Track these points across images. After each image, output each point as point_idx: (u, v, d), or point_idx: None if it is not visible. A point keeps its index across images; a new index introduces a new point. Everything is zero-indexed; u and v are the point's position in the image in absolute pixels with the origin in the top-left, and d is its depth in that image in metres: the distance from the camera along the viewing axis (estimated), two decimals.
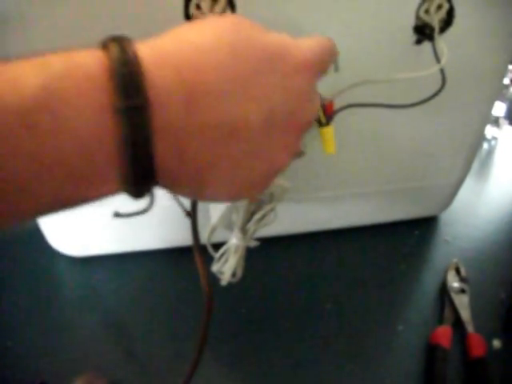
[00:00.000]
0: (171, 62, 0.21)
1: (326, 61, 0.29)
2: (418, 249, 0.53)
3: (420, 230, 0.55)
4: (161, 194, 0.25)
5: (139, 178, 0.20)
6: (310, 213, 0.50)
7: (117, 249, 0.50)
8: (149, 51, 0.21)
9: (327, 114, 0.39)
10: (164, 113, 0.20)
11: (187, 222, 0.40)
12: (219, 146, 0.22)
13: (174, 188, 0.24)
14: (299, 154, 0.34)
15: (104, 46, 0.21)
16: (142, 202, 0.24)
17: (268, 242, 0.43)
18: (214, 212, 0.41)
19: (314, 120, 0.39)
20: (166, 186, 0.23)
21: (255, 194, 0.27)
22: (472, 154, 0.51)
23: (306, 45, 0.27)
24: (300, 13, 0.38)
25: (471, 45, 0.42)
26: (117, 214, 0.27)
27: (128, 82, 0.19)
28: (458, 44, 0.41)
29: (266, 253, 0.46)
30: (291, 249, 0.52)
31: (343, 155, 0.44)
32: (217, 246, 0.41)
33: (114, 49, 0.20)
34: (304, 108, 0.26)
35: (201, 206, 0.40)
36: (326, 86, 0.39)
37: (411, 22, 0.40)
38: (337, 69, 0.38)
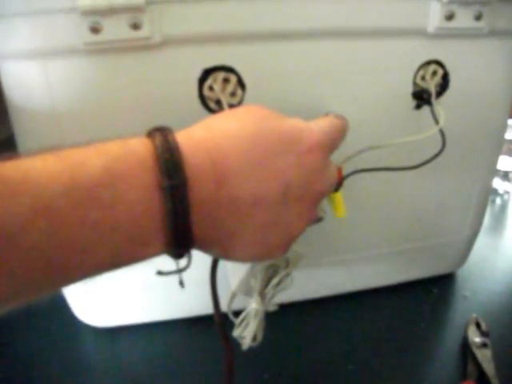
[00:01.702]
0: (204, 148, 0.26)
1: (336, 139, 0.33)
2: (437, 306, 0.53)
3: (438, 288, 0.55)
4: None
5: (180, 242, 0.25)
6: (325, 277, 0.51)
7: (141, 319, 0.51)
8: (185, 139, 0.26)
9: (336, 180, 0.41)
10: (198, 189, 0.25)
11: (207, 292, 0.42)
12: (244, 215, 0.27)
13: (206, 249, 0.28)
14: (318, 219, 0.36)
15: (150, 134, 0.26)
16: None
17: (287, 308, 0.44)
18: (233, 279, 0.42)
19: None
20: (200, 248, 0.27)
21: (275, 256, 0.31)
22: (481, 208, 0.52)
23: (318, 126, 0.31)
24: (306, 89, 0.41)
25: (469, 104, 0.44)
26: (159, 273, 0.30)
27: (170, 165, 0.24)
28: (457, 105, 0.44)
29: (285, 318, 0.46)
30: (310, 313, 0.52)
31: (354, 219, 0.46)
32: (237, 314, 0.42)
33: (158, 138, 0.25)
34: (317, 181, 0.30)
35: (220, 275, 0.41)
36: (334, 154, 0.41)
37: (410, 88, 0.42)
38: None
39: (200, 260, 0.41)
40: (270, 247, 0.30)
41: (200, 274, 0.43)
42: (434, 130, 0.40)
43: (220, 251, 0.29)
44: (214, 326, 0.42)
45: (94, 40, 0.36)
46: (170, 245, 0.25)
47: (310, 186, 0.29)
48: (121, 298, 0.48)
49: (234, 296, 0.42)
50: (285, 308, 0.43)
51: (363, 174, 0.42)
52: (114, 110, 0.39)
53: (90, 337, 0.51)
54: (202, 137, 0.27)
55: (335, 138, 0.33)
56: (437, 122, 0.40)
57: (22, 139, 0.42)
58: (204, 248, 0.28)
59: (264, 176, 0.27)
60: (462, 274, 0.57)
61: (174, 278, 0.41)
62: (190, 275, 0.44)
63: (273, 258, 0.32)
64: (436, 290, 0.55)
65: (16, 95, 0.40)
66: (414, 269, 0.54)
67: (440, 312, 0.53)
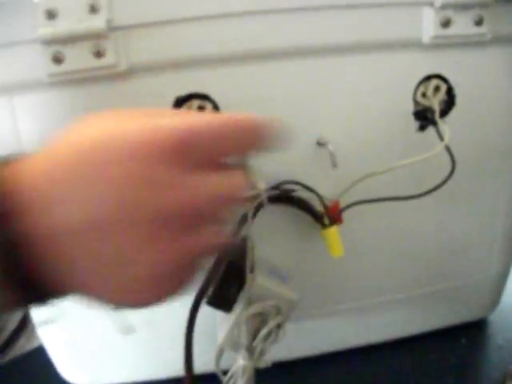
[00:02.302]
0: (31, 175, 0.22)
1: (201, 141, 0.24)
2: (466, 359, 0.46)
3: (467, 337, 0.48)
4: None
5: (14, 281, 0.21)
6: (329, 330, 0.44)
7: (128, 378, 0.46)
8: (14, 165, 0.23)
9: (330, 214, 0.36)
10: (25, 219, 0.21)
11: (198, 348, 0.37)
12: (84, 246, 0.22)
13: (74, 292, 0.23)
14: (223, 246, 0.26)
15: None
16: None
17: (285, 366, 0.38)
18: (220, 332, 0.37)
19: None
20: (66, 291, 0.23)
21: (147, 301, 0.24)
22: (509, 241, 0.45)
23: (169, 126, 0.23)
24: (291, 113, 0.36)
25: (479, 121, 0.39)
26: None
27: None
28: (465, 122, 0.39)
29: (284, 379, 0.40)
30: (314, 372, 0.45)
31: (359, 260, 0.40)
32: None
33: None
34: (162, 197, 0.23)
35: (207, 330, 0.36)
36: (327, 187, 0.37)
37: (410, 108, 0.38)
38: (334, 165, 0.36)
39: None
40: (130, 287, 0.23)
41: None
42: (439, 147, 0.35)
43: (88, 294, 0.23)
44: None
45: (57, 71, 0.34)
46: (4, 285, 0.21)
47: (153, 204, 0.22)
48: (106, 356, 0.44)
49: (221, 351, 0.37)
50: (284, 366, 0.38)
51: (366, 208, 0.37)
52: None
53: None
54: (30, 164, 0.23)
55: (196, 141, 0.23)
56: (442, 139, 0.35)
57: None
58: (70, 291, 0.23)
59: (95, 194, 0.22)
60: (495, 319, 0.50)
61: (162, 335, 0.37)
62: (178, 330, 0.40)
63: (143, 303, 0.24)
64: (465, 339, 0.47)
65: None
66: (436, 316, 0.47)
67: (471, 365, 0.45)
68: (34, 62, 0.34)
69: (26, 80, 0.35)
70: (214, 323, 0.38)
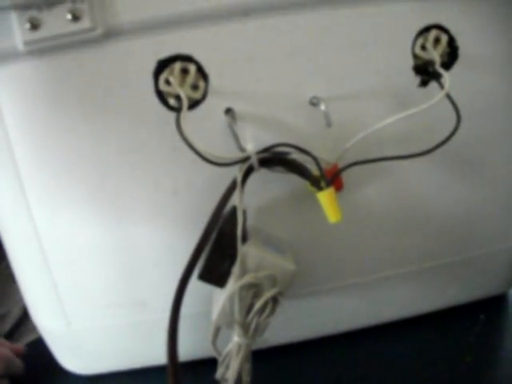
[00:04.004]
0: None
1: None
2: (485, 336, 0.42)
3: (486, 313, 0.44)
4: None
5: None
6: (336, 308, 0.41)
7: (126, 365, 0.44)
8: None
9: (328, 177, 0.34)
10: None
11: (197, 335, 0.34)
12: None
13: None
14: None
15: None
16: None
17: (287, 350, 0.36)
18: (214, 309, 0.35)
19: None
20: None
21: None
22: None
23: None
24: (283, 72, 0.35)
25: (486, 75, 0.36)
26: None
27: None
28: (473, 77, 0.36)
29: (285, 361, 0.38)
30: (323, 354, 0.42)
31: (362, 228, 0.37)
32: None
33: None
34: None
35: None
36: (324, 149, 0.35)
37: (410, 62, 0.35)
38: (328, 124, 0.34)
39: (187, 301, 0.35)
40: None
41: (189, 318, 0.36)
42: (440, 94, 0.32)
43: None
44: (204, 372, 0.35)
45: (33, 38, 0.33)
46: None
47: None
48: (103, 343, 0.42)
49: (217, 330, 0.35)
50: (285, 350, 0.35)
51: (367, 173, 0.35)
52: (64, 115, 0.35)
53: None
54: None
55: None
56: (442, 86, 0.33)
57: None
58: None
59: None
60: None
61: (160, 322, 0.35)
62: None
63: None
64: (483, 315, 0.44)
65: None
66: (452, 291, 0.43)
67: (490, 343, 0.42)
68: (9, 30, 0.33)
69: (3, 50, 0.34)
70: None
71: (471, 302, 0.44)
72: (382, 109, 0.35)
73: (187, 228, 0.36)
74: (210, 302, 0.36)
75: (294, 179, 0.34)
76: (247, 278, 0.32)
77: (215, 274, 0.34)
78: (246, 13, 0.33)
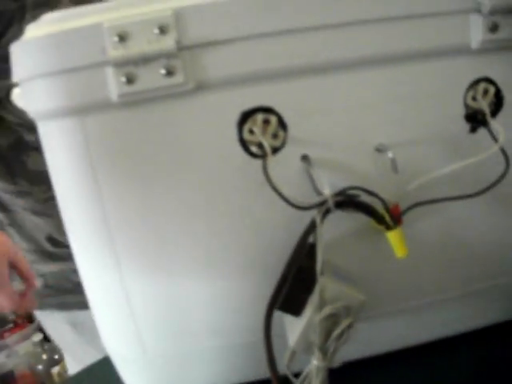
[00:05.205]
0: None
1: None
2: None
3: None
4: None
5: None
6: (388, 329, 0.45)
7: None
8: None
9: (392, 216, 0.38)
10: None
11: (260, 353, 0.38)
12: None
13: None
14: None
15: None
16: None
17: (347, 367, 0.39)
18: (291, 335, 0.38)
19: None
20: None
21: None
22: None
23: None
24: (351, 122, 0.38)
25: None
26: None
27: None
28: None
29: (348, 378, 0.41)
30: (377, 371, 0.46)
31: (419, 258, 0.42)
32: (297, 376, 0.38)
33: None
34: None
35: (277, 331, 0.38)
36: (389, 189, 0.38)
37: (462, 111, 0.40)
38: (395, 170, 0.38)
39: (250, 320, 0.38)
40: None
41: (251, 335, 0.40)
42: (494, 148, 0.37)
43: None
44: None
45: (128, 91, 0.35)
46: None
47: None
48: (177, 369, 0.45)
49: (293, 354, 0.38)
50: (345, 367, 0.39)
51: (424, 208, 0.39)
52: (151, 162, 0.38)
53: None
54: None
55: None
56: (496, 140, 0.37)
57: (63, 197, 0.40)
58: None
59: None
60: None
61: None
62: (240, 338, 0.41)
63: None
64: None
65: (55, 154, 0.39)
66: (498, 309, 0.47)
67: None
68: (105, 84, 0.35)
69: (97, 101, 0.36)
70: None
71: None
72: (438, 152, 0.40)
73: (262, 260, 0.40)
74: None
75: (359, 217, 0.38)
76: (328, 309, 0.36)
77: (293, 305, 0.38)
78: (323, 70, 0.37)
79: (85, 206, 0.39)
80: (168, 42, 0.35)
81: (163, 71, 0.35)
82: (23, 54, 0.37)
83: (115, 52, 0.35)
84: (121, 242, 0.39)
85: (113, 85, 0.35)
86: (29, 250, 0.74)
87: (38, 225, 0.71)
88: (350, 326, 0.37)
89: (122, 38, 0.35)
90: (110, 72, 0.35)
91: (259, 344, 0.39)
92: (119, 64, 0.35)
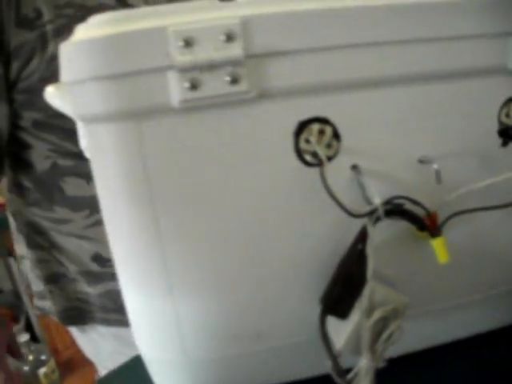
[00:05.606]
0: None
1: None
2: None
3: None
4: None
5: None
6: (417, 329, 0.46)
7: None
8: None
9: (433, 225, 0.40)
10: None
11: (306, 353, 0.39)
12: None
13: None
14: None
15: None
16: None
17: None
18: (337, 338, 0.40)
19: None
20: None
21: None
22: None
23: None
24: (399, 136, 0.40)
25: None
26: None
27: None
28: None
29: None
30: (409, 370, 0.48)
31: (451, 263, 0.44)
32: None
33: None
34: None
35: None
36: (429, 199, 0.41)
37: (495, 127, 0.42)
38: (439, 181, 0.40)
39: (295, 322, 0.39)
40: None
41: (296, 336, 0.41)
42: None
43: None
44: None
45: (192, 97, 0.35)
46: None
47: None
48: (215, 368, 0.45)
49: (339, 355, 0.40)
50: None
51: (458, 218, 0.41)
52: (207, 167, 0.38)
53: None
54: None
55: None
56: None
57: (110, 204, 0.40)
58: None
59: None
60: None
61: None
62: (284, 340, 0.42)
63: None
64: None
65: (104, 158, 0.38)
66: None
67: None
68: (166, 89, 0.35)
69: (155, 106, 0.36)
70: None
71: None
72: (473, 165, 0.42)
73: (309, 268, 0.41)
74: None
75: (399, 224, 0.40)
76: (379, 312, 0.38)
77: (341, 308, 0.39)
78: (374, 84, 0.38)
79: (135, 212, 0.38)
80: (236, 50, 0.35)
81: (228, 78, 0.35)
82: (76, 54, 0.36)
83: (181, 57, 0.34)
84: (171, 252, 0.39)
85: (175, 90, 0.35)
86: (72, 271, 0.70)
87: (82, 246, 0.67)
88: (398, 327, 0.39)
89: (188, 43, 0.35)
90: (173, 77, 0.35)
91: (302, 345, 0.40)
92: (184, 69, 0.35)
